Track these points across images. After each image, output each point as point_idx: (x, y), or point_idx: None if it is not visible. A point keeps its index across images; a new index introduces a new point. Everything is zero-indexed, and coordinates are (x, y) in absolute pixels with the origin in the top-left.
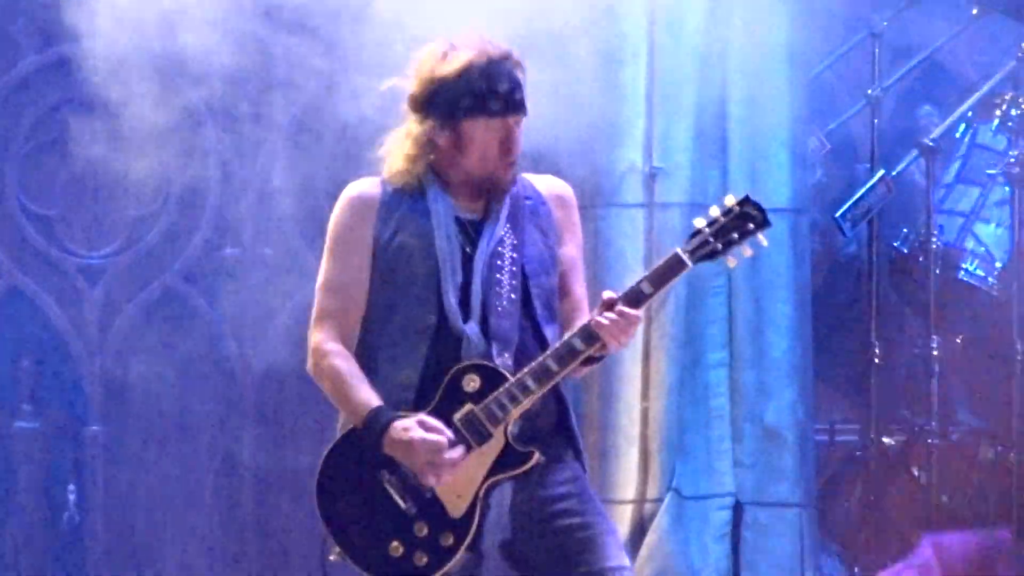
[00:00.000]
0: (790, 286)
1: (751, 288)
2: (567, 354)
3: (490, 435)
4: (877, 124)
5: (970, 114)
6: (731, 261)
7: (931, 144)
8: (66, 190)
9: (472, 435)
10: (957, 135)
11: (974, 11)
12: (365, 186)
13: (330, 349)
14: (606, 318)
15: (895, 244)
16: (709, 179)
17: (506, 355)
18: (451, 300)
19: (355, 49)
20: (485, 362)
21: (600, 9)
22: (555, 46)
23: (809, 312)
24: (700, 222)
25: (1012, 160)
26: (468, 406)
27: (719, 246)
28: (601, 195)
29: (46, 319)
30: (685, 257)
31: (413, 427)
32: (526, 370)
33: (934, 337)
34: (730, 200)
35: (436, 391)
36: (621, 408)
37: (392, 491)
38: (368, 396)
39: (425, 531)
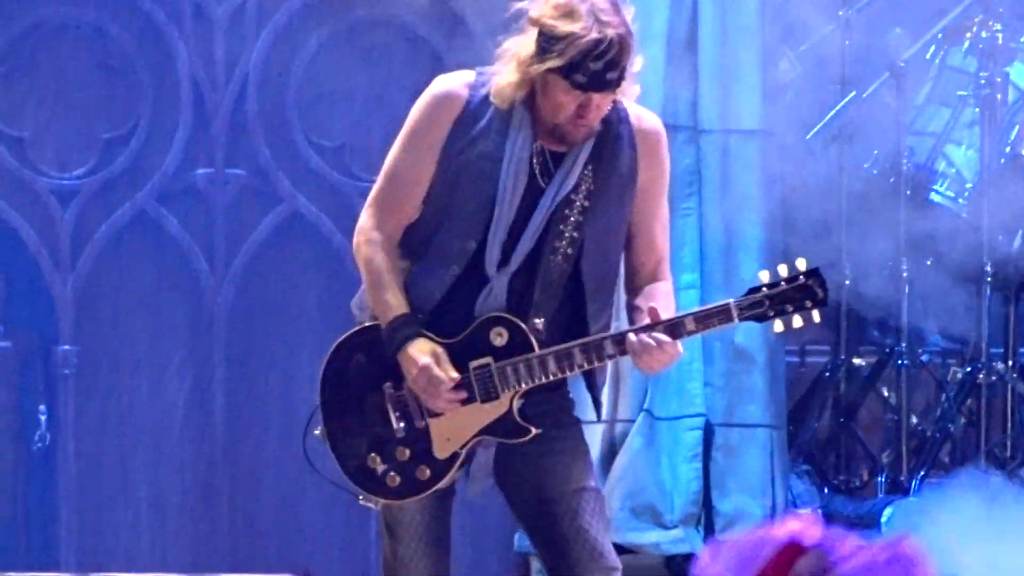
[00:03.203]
0: (760, 208)
1: (721, 210)
2: (595, 353)
3: (497, 397)
4: (848, 46)
5: (940, 36)
6: (778, 325)
7: (902, 66)
8: (38, 112)
9: (480, 388)
10: (927, 57)
11: None
12: (454, 84)
13: (373, 237)
14: (640, 341)
15: (865, 166)
16: (681, 101)
17: (540, 320)
18: (495, 241)
19: None
20: (519, 322)
21: None
22: None
23: (779, 234)
24: (764, 276)
25: (982, 82)
26: (488, 359)
27: (771, 312)
28: None
29: (17, 240)
30: (735, 312)
31: (429, 354)
32: (552, 350)
33: (904, 259)
34: (801, 264)
35: (454, 321)
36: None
37: (390, 406)
38: (399, 300)
39: (406, 456)
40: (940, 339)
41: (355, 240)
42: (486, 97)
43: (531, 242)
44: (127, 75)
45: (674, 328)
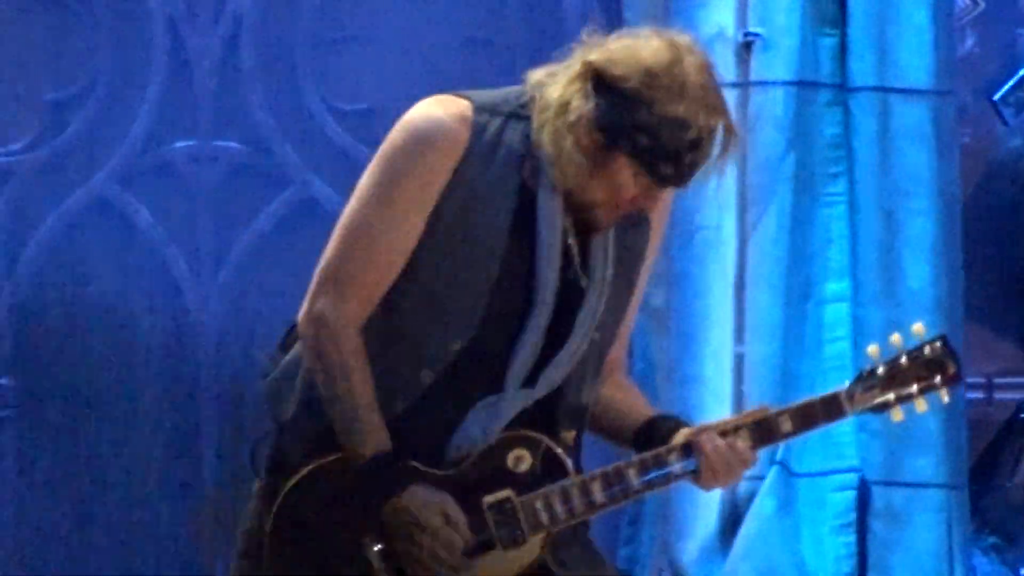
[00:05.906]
0: (933, 194)
1: (881, 196)
2: (655, 468)
3: (524, 541)
4: None
5: None
6: (897, 415)
7: None
8: None
9: (501, 531)
10: None
11: None
12: (451, 121)
13: (339, 331)
14: (716, 447)
15: None
16: (822, 49)
17: (570, 434)
18: (523, 353)
19: None
20: (544, 439)
21: None
22: None
23: (959, 228)
24: (874, 353)
25: None
26: (508, 492)
27: (891, 397)
28: None
29: None
30: (847, 405)
31: (437, 512)
32: (597, 474)
33: None
34: (919, 330)
35: (422, 443)
36: (707, 355)
37: (375, 566)
38: (379, 428)
39: None
40: None
41: (306, 329)
42: (495, 142)
43: (570, 362)
44: (80, 14)
45: (763, 431)
